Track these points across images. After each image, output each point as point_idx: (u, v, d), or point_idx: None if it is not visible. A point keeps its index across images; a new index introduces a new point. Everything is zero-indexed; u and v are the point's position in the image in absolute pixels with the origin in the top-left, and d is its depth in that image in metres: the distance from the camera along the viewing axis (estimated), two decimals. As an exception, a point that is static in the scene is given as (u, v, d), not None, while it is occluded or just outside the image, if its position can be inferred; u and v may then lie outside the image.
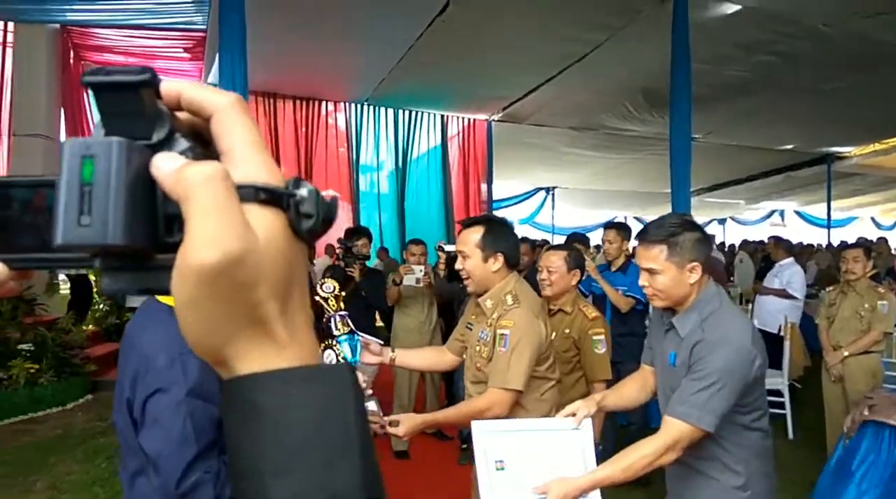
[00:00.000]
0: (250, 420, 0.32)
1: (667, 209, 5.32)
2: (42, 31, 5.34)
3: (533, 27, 5.83)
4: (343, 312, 1.95)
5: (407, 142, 9.05)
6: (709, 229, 18.01)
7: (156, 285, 0.33)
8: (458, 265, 2.30)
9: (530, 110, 8.57)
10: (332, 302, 1.93)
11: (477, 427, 1.99)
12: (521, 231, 15.40)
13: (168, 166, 0.32)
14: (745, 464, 1.81)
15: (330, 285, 1.93)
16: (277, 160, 8.14)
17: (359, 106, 8.68)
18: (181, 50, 6.24)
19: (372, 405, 1.73)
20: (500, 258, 2.24)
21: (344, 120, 8.71)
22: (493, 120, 9.31)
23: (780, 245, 6.12)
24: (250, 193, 0.32)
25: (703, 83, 6.86)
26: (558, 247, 3.16)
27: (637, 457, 1.74)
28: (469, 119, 9.46)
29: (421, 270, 4.26)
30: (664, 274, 1.82)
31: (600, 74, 6.98)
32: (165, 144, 0.33)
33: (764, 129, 9.51)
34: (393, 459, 4.43)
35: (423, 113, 9.16)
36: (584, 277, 3.21)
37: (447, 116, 9.34)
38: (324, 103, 8.50)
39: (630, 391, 2.18)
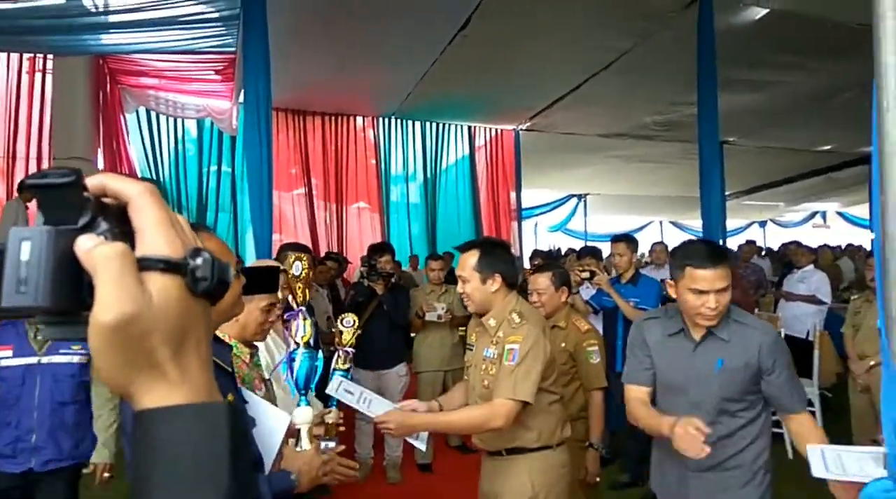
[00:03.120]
0: (147, 446, 0.40)
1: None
2: (80, 57, 5.55)
3: (556, 37, 5.84)
4: (349, 349, 2.01)
5: (435, 153, 9.14)
6: (749, 232, 17.59)
7: (83, 335, 0.41)
8: (459, 289, 2.35)
9: (558, 119, 8.55)
10: (346, 336, 1.99)
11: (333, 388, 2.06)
12: (553, 239, 15.33)
13: (85, 246, 0.40)
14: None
15: (350, 320, 2.00)
16: (308, 174, 8.34)
17: (386, 120, 8.80)
18: (212, 72, 6.42)
19: (331, 445, 1.76)
20: (498, 279, 2.28)
21: (373, 133, 8.84)
22: (521, 129, 9.31)
23: (804, 250, 6.21)
24: (153, 263, 0.41)
25: (734, 87, 6.74)
26: (542, 268, 3.37)
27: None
28: (496, 129, 9.49)
29: (443, 308, 4.32)
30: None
31: (628, 82, 6.92)
32: (88, 227, 0.42)
33: (801, 130, 9.28)
34: (419, 472, 4.47)
35: (450, 125, 9.23)
36: (574, 293, 3.45)
37: (474, 127, 9.40)
38: (351, 118, 8.65)
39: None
